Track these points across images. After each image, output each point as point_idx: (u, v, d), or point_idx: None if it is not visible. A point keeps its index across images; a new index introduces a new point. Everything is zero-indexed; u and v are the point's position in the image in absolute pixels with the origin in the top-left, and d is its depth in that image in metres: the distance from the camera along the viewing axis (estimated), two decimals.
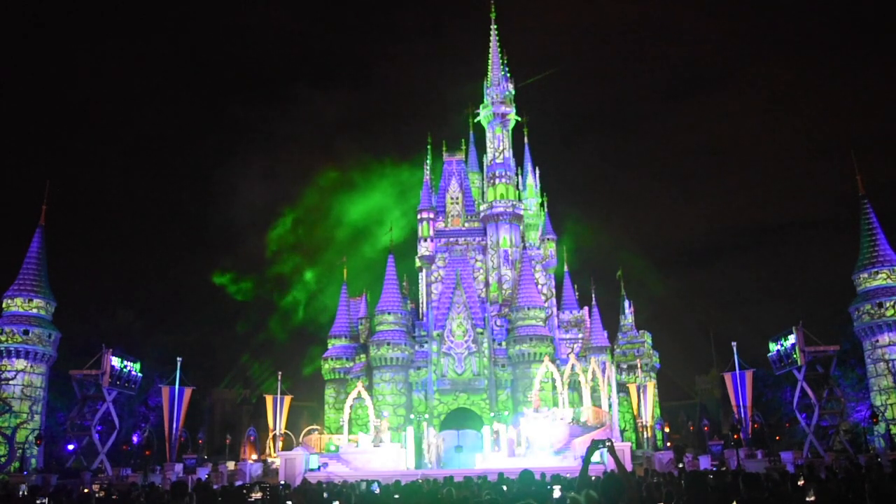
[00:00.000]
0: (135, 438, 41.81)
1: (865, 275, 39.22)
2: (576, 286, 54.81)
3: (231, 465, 39.08)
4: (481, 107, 56.09)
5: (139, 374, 41.33)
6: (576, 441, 37.53)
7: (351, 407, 42.59)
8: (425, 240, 52.87)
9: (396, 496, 14.78)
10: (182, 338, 55.75)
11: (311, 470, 35.46)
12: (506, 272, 51.87)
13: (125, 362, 39.98)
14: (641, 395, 45.53)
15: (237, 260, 71.16)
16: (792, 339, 38.33)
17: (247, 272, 70.39)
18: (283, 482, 29.23)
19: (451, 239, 53.61)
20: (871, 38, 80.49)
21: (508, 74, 56.12)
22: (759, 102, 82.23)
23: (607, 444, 7.84)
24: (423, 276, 53.20)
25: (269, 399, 45.46)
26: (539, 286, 50.92)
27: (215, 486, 24.71)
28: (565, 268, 55.49)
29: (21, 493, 24.57)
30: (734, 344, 40.17)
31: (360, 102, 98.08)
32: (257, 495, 19.80)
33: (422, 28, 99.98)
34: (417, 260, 53.42)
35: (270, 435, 44.43)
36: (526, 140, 58.41)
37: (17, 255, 41.23)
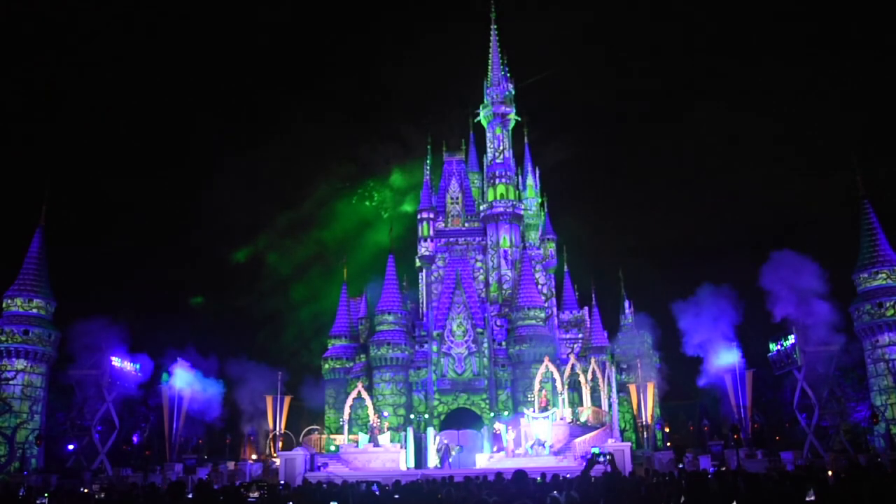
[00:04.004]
0: (135, 438, 41.86)
1: (865, 275, 39.19)
2: (576, 286, 54.79)
3: (231, 465, 39.11)
4: (481, 107, 56.09)
5: (139, 374, 41.38)
6: (576, 441, 37.54)
7: (351, 407, 42.58)
8: (425, 240, 52.88)
9: (396, 496, 14.79)
10: (181, 338, 55.68)
11: (312, 470, 35.45)
12: (506, 272, 51.88)
13: (125, 362, 40.04)
14: (641, 395, 45.46)
15: (234, 261, 70.89)
16: (792, 339, 38.36)
17: (245, 273, 70.22)
18: (282, 482, 29.22)
19: (452, 239, 53.61)
20: (871, 37, 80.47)
21: (508, 74, 56.15)
22: (759, 103, 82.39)
23: (608, 457, 7.87)
24: (423, 276, 53.19)
25: (269, 399, 45.42)
26: (539, 286, 50.93)
27: (215, 486, 24.71)
28: (565, 268, 55.47)
29: (21, 493, 24.60)
30: (734, 344, 40.14)
31: (359, 102, 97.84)
32: (256, 494, 19.81)
33: (421, 28, 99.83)
34: (417, 260, 53.40)
35: (270, 435, 44.41)
36: (526, 140, 58.44)
37: (17, 255, 41.28)
